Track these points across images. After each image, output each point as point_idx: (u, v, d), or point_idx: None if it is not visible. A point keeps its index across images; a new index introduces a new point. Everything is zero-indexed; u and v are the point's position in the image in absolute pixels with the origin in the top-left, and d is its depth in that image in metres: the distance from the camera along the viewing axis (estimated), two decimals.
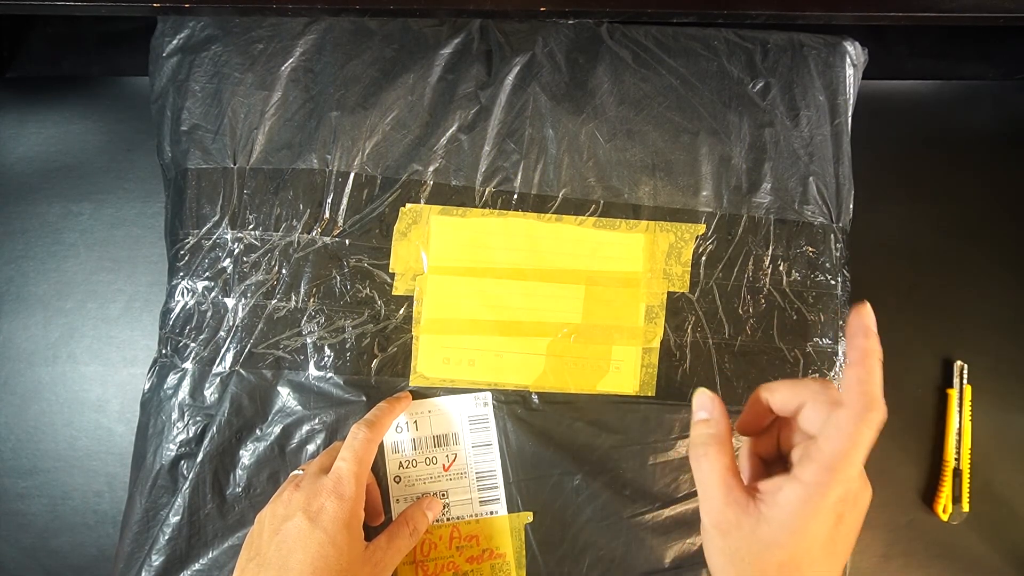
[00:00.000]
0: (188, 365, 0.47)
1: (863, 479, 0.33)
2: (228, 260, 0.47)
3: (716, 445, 0.34)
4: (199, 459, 0.46)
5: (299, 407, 0.47)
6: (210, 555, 0.45)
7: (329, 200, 0.47)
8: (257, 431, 0.47)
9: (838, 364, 0.49)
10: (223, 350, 0.47)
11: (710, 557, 0.35)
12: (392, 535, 0.43)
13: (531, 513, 0.47)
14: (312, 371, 0.47)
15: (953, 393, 0.53)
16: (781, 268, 0.49)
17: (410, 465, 0.47)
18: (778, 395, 0.35)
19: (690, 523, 0.48)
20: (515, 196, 0.48)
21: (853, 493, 0.32)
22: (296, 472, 0.44)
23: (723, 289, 0.49)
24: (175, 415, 0.46)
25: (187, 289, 0.47)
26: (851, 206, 0.51)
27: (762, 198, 0.49)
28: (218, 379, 0.46)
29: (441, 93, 0.49)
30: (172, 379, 0.47)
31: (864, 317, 0.32)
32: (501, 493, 0.47)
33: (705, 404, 0.36)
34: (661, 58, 0.50)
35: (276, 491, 0.44)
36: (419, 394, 0.48)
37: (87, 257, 0.54)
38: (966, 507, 0.52)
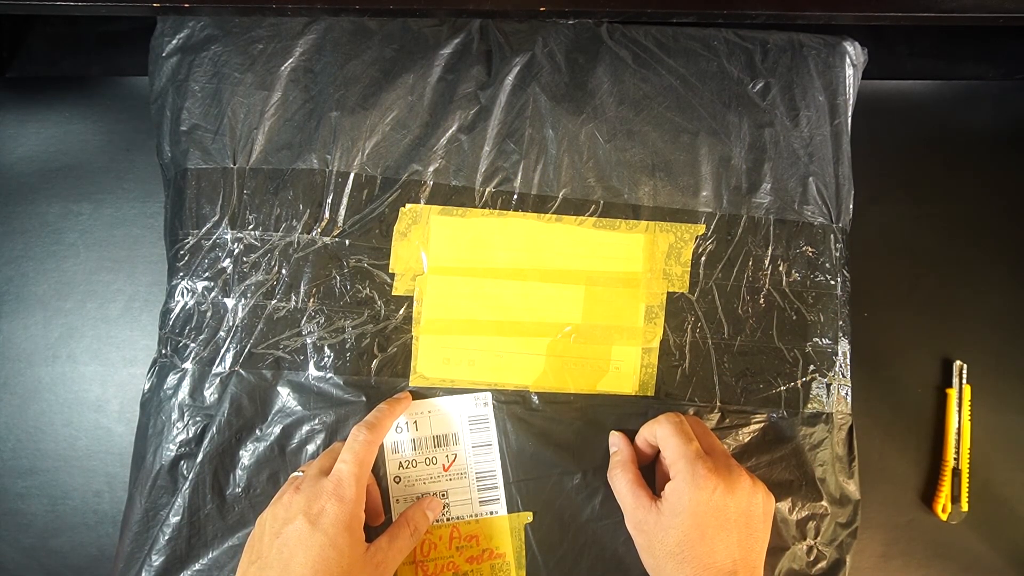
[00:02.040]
0: (188, 365, 0.47)
1: (723, 458, 0.43)
2: (228, 260, 0.47)
3: (622, 467, 0.45)
4: (199, 459, 0.46)
5: (299, 407, 0.47)
6: (210, 555, 0.45)
7: (329, 200, 0.47)
8: (257, 431, 0.47)
9: (838, 364, 0.49)
10: (223, 350, 0.47)
11: (640, 555, 0.44)
12: (393, 536, 0.43)
13: (531, 513, 0.47)
14: (312, 371, 0.47)
15: (952, 393, 0.53)
16: (781, 268, 0.49)
17: (410, 465, 0.47)
18: (646, 433, 0.46)
19: None
20: (515, 196, 0.48)
21: (704, 475, 0.41)
22: (296, 474, 0.44)
23: (723, 289, 0.49)
24: (175, 415, 0.46)
25: (187, 289, 0.47)
26: (851, 206, 0.51)
27: (762, 198, 0.49)
28: (218, 379, 0.46)
29: (441, 93, 0.49)
30: (172, 379, 0.47)
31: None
32: (501, 493, 0.47)
33: (614, 441, 0.47)
34: (661, 58, 0.50)
35: (276, 491, 0.44)
36: (419, 394, 0.48)
37: (87, 257, 0.54)
38: (965, 507, 0.52)
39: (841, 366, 0.49)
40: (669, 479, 0.42)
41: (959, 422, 0.53)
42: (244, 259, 0.47)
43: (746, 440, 0.48)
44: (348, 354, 0.47)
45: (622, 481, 0.44)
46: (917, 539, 0.53)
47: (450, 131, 0.48)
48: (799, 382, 0.48)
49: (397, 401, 0.46)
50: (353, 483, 0.41)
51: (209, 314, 0.47)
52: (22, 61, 0.56)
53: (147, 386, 0.48)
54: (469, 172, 0.48)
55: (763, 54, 0.50)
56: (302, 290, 0.47)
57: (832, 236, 0.50)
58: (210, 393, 0.46)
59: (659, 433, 0.44)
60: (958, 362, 0.53)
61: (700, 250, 0.49)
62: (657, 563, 0.42)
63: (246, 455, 0.46)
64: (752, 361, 0.48)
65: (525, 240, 0.48)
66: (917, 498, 0.53)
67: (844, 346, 0.49)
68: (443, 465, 0.47)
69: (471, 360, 0.48)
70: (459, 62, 0.49)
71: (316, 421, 0.47)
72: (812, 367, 0.49)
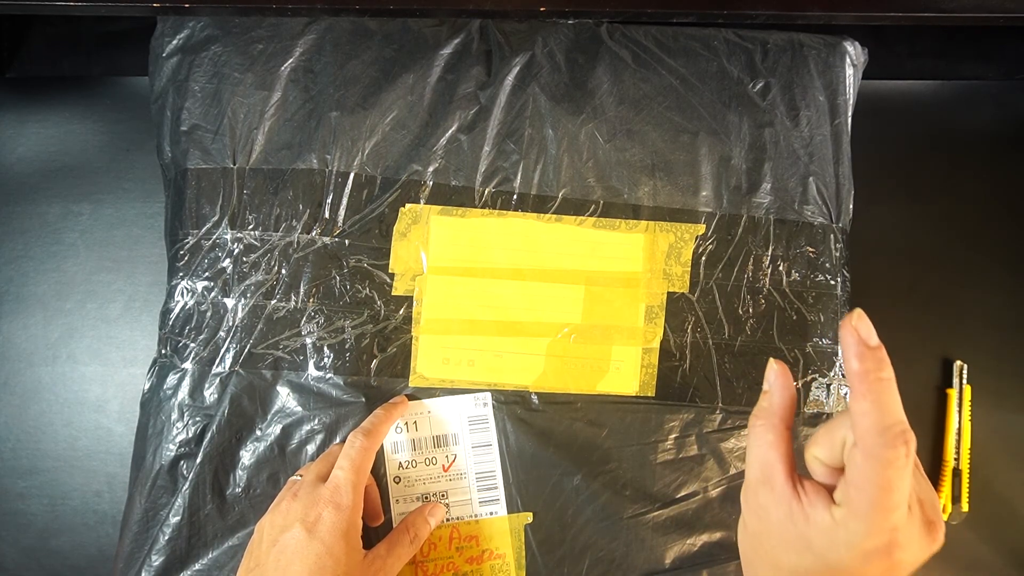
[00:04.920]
0: (188, 365, 0.47)
1: (920, 523, 0.29)
2: (228, 260, 0.47)
3: (764, 420, 0.33)
4: (199, 459, 0.46)
5: (298, 407, 0.47)
6: (210, 555, 0.45)
7: (329, 200, 0.47)
8: (257, 431, 0.47)
9: (837, 364, 0.49)
10: (223, 350, 0.47)
11: (739, 529, 0.34)
12: (392, 543, 0.43)
13: (531, 513, 0.47)
14: (311, 371, 0.47)
15: (953, 393, 0.53)
16: (781, 268, 0.49)
17: (410, 466, 0.47)
18: (822, 449, 0.31)
19: (690, 523, 0.48)
20: (515, 196, 0.48)
21: (899, 543, 0.28)
22: (294, 478, 0.43)
23: (723, 289, 0.49)
24: (175, 415, 0.46)
25: (187, 289, 0.47)
26: (851, 206, 0.51)
27: (762, 198, 0.49)
28: (218, 379, 0.46)
29: (441, 93, 0.49)
30: (172, 379, 0.47)
31: (857, 331, 0.28)
32: (501, 494, 0.47)
33: (768, 376, 0.34)
34: (661, 58, 0.50)
35: (276, 492, 0.44)
36: (419, 394, 0.48)
37: (87, 257, 0.54)
38: (965, 507, 0.52)
39: (841, 366, 0.49)
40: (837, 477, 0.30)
41: (959, 422, 0.53)
42: (244, 259, 0.47)
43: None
44: (348, 354, 0.47)
45: (757, 442, 0.32)
46: None
47: (450, 131, 0.48)
48: (799, 383, 0.48)
49: (393, 406, 0.46)
50: (350, 490, 0.41)
51: (209, 314, 0.47)
52: (22, 61, 0.56)
53: (147, 386, 0.48)
54: (469, 172, 0.48)
55: (763, 54, 0.50)
56: (302, 290, 0.47)
57: (832, 236, 0.50)
58: (210, 393, 0.46)
59: (859, 464, 0.28)
60: (958, 362, 0.53)
61: (700, 250, 0.49)
62: (759, 568, 0.32)
63: (246, 455, 0.46)
64: (753, 361, 0.48)
65: (525, 240, 0.48)
66: None
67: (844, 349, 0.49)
68: (443, 465, 0.47)
69: (471, 360, 0.48)
70: (459, 62, 0.49)
71: (316, 421, 0.47)
72: (812, 367, 0.49)
